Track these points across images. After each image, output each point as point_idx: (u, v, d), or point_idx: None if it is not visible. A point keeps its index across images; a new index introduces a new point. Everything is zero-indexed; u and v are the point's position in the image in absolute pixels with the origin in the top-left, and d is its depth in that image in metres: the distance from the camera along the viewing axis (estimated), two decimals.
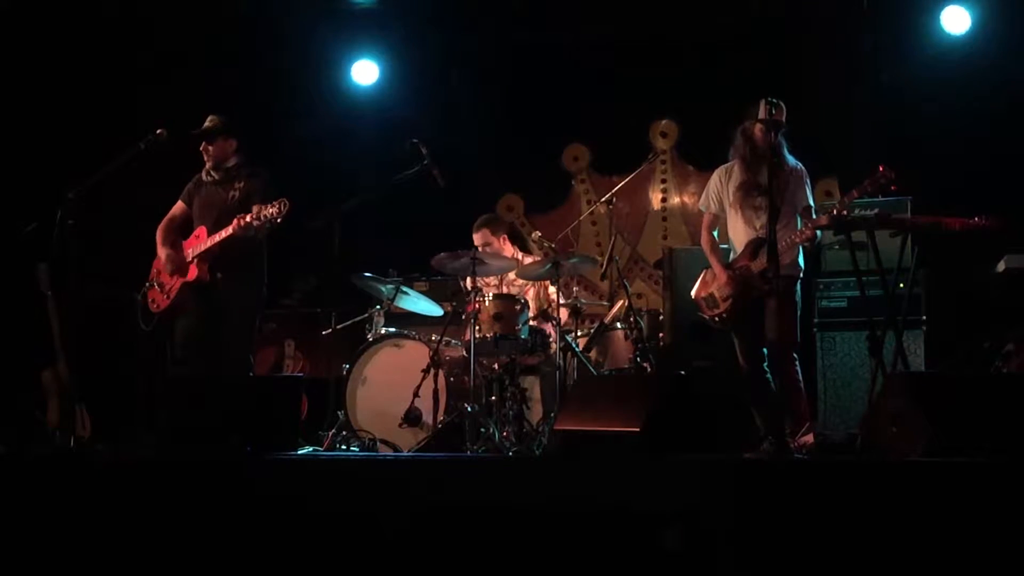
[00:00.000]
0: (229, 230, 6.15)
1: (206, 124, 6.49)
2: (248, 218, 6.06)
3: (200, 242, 6.32)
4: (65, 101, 8.18)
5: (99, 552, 4.73)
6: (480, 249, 7.27)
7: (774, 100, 5.84)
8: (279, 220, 6.02)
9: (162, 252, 6.44)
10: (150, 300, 6.50)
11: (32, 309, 7.12)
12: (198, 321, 6.30)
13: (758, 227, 6.05)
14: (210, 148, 6.46)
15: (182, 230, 6.54)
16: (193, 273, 6.28)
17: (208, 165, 6.49)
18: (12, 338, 7.56)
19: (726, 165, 6.34)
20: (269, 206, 6.02)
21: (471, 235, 7.46)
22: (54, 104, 8.15)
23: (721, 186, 6.33)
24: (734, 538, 4.08)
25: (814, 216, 6.04)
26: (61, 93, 8.19)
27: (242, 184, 6.38)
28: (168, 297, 6.38)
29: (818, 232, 5.98)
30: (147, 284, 6.53)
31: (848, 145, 7.66)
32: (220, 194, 6.42)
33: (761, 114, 6.03)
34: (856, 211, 6.33)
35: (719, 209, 6.33)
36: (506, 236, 7.65)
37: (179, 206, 6.62)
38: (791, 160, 6.13)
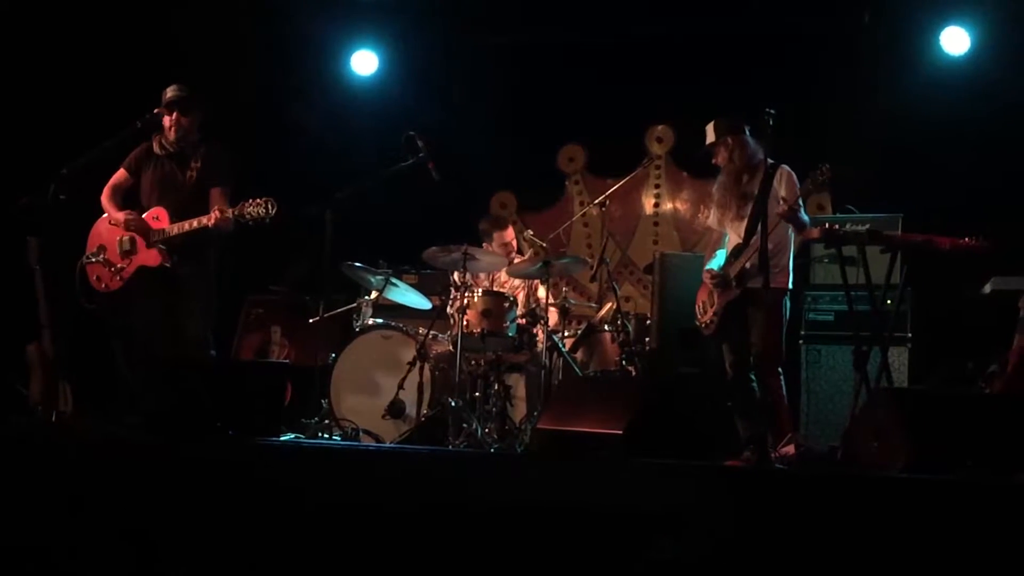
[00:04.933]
0: (207, 222, 5.99)
1: (177, 93, 6.31)
2: (231, 214, 5.94)
3: (162, 225, 6.15)
4: (62, 77, 8.15)
5: (75, 528, 4.72)
6: (508, 246, 7.43)
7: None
8: (267, 221, 5.89)
9: (121, 216, 6.20)
10: (93, 276, 6.31)
11: (19, 283, 7.09)
12: (158, 306, 6.17)
13: (741, 235, 6.09)
14: (183, 120, 6.26)
15: (125, 201, 6.37)
16: (156, 259, 6.13)
17: (170, 136, 6.28)
18: None
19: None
20: (254, 204, 5.89)
21: (482, 233, 7.52)
22: (50, 80, 8.12)
23: (715, 203, 6.37)
24: (709, 544, 4.09)
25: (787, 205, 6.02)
26: (58, 69, 8.15)
27: (198, 163, 6.24)
28: (121, 279, 6.22)
29: (804, 216, 5.94)
30: (86, 257, 6.32)
31: (843, 161, 7.66)
32: (175, 172, 6.26)
33: (708, 139, 6.20)
34: (848, 226, 6.35)
35: (718, 224, 6.34)
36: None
37: (122, 174, 6.39)
38: (768, 161, 6.11)
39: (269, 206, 5.87)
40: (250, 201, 5.92)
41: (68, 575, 4.67)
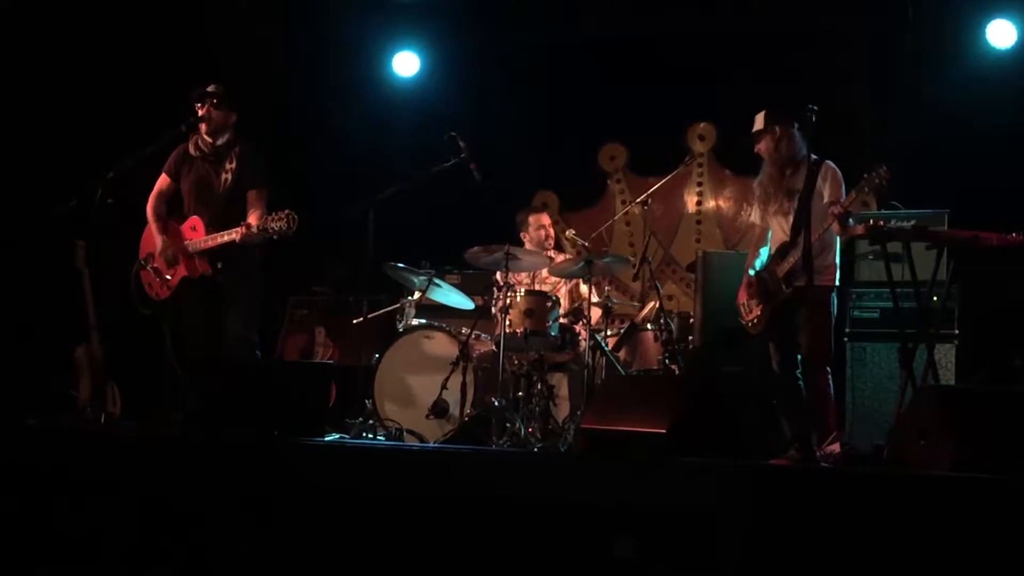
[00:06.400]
0: (234, 236, 6.06)
1: (211, 87, 6.36)
2: (255, 229, 5.99)
3: (198, 236, 6.23)
4: (107, 80, 8.24)
5: (122, 527, 4.78)
6: (545, 229, 7.44)
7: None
8: (290, 234, 5.94)
9: (158, 240, 6.35)
10: (146, 284, 6.43)
11: (68, 286, 7.18)
12: (204, 312, 6.26)
13: (787, 232, 6.06)
14: (214, 113, 6.31)
15: (170, 205, 6.46)
16: (196, 271, 6.23)
17: (203, 132, 6.34)
18: (47, 314, 7.64)
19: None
20: (276, 219, 5.93)
21: (518, 224, 7.56)
22: (95, 83, 8.21)
23: (757, 198, 6.34)
24: (754, 544, 4.08)
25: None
26: (102, 72, 8.24)
27: (233, 165, 6.28)
28: (169, 288, 6.31)
29: (850, 220, 5.89)
30: (139, 263, 6.44)
31: (887, 157, 7.61)
32: (211, 175, 6.32)
33: (755, 126, 6.14)
34: (893, 222, 6.29)
35: (761, 219, 6.30)
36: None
37: (165, 180, 6.48)
38: (812, 158, 6.08)
39: (291, 220, 5.91)
40: (273, 215, 5.98)
41: (116, 571, 4.74)
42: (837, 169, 6.01)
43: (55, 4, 8.06)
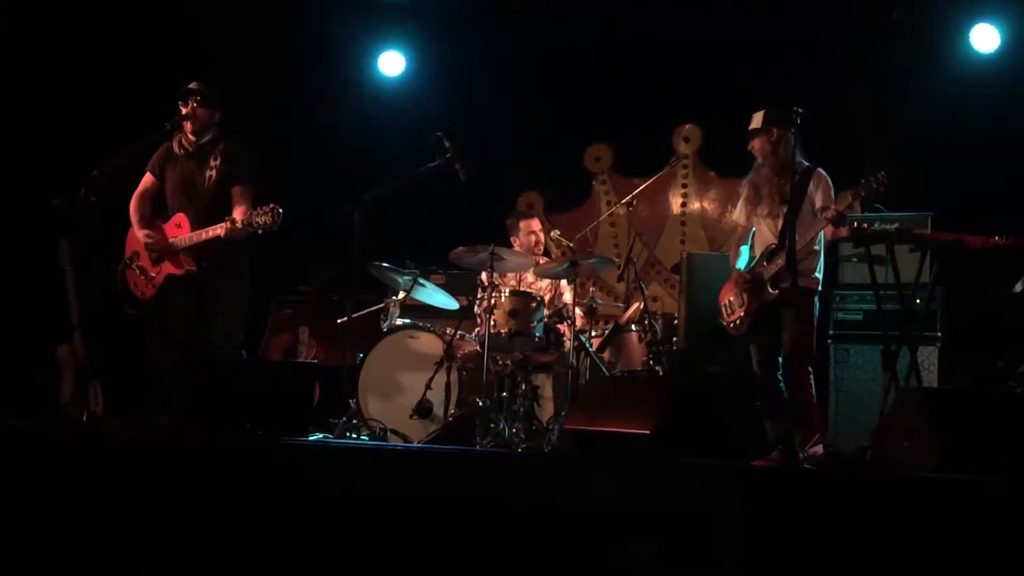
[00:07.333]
0: (218, 231, 6.03)
1: (195, 84, 6.33)
2: (239, 223, 5.96)
3: (183, 233, 6.19)
4: (93, 79, 8.21)
5: (106, 527, 4.77)
6: (535, 235, 7.48)
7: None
8: (275, 229, 5.90)
9: (141, 234, 6.29)
10: (132, 283, 6.39)
11: (51, 284, 7.16)
12: (188, 311, 6.22)
13: (776, 234, 6.06)
14: (199, 111, 6.27)
15: (154, 204, 6.42)
16: (181, 267, 6.19)
17: (187, 131, 6.30)
18: (30, 312, 7.60)
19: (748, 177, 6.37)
20: (261, 213, 5.90)
21: (508, 228, 7.60)
22: (81, 82, 8.18)
23: (744, 198, 6.35)
24: (738, 545, 4.09)
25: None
26: (88, 71, 8.22)
27: (218, 162, 6.26)
28: (154, 286, 6.28)
29: (841, 222, 5.92)
30: (124, 263, 6.39)
31: (873, 160, 7.64)
32: (195, 172, 6.28)
33: (752, 124, 6.12)
34: (876, 225, 6.32)
35: (746, 221, 6.31)
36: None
37: (149, 179, 6.43)
38: (803, 163, 6.10)
39: (275, 215, 5.88)
40: (258, 210, 5.95)
41: (96, 571, 4.72)
42: (827, 176, 6.03)
43: (54, 5, 8.04)
